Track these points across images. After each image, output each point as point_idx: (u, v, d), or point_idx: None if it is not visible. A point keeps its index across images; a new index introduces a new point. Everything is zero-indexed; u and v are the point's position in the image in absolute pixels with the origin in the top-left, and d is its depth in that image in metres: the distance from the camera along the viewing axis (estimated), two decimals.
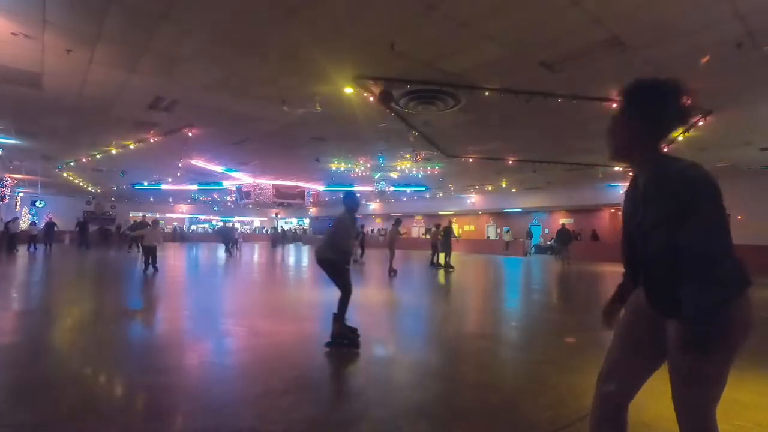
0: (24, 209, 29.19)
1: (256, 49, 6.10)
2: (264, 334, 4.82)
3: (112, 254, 18.71)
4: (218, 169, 17.76)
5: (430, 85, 7.19)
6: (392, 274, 11.34)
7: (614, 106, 1.61)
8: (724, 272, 1.32)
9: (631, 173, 1.65)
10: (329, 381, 3.62)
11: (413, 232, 33.24)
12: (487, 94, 7.27)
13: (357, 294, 4.50)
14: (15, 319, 5.57)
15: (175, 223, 36.87)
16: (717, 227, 1.35)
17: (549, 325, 6.04)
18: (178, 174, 18.87)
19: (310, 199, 24.48)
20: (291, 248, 28.71)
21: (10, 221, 19.49)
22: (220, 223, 34.25)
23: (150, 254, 10.63)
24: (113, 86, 7.71)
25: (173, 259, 16.60)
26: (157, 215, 27.03)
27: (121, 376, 3.51)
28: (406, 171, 17.09)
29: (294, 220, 45.22)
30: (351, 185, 20.74)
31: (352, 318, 4.41)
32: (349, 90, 7.52)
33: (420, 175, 17.86)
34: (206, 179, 20.79)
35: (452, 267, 13.44)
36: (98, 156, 14.49)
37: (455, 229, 17.08)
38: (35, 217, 26.61)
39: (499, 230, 28.04)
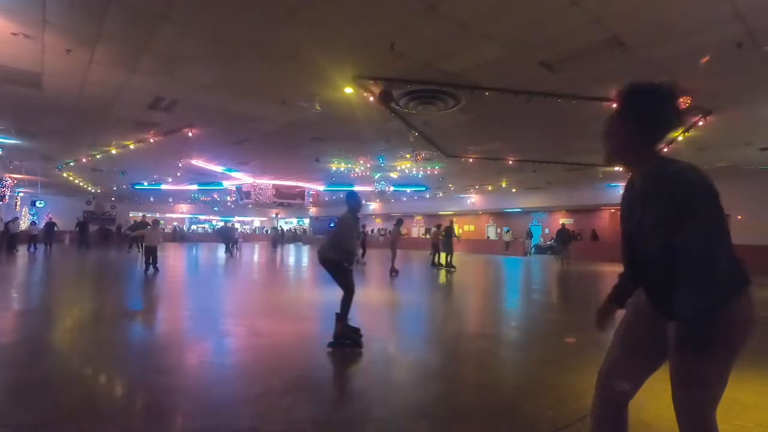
0: (24, 209, 29.18)
1: (256, 49, 6.10)
2: (264, 334, 4.82)
3: (113, 254, 18.71)
4: (218, 169, 17.76)
5: (430, 85, 7.19)
6: (394, 274, 11.34)
7: (613, 106, 1.61)
8: (722, 273, 1.32)
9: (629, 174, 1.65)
10: (329, 381, 3.61)
11: (413, 232, 33.24)
12: (487, 94, 7.27)
13: (359, 294, 4.49)
14: (15, 319, 5.57)
15: (175, 223, 36.87)
16: (715, 228, 1.35)
17: (549, 325, 6.04)
18: (178, 174, 18.87)
19: (310, 199, 24.47)
20: (291, 248, 28.71)
21: (10, 221, 19.48)
22: (221, 223, 34.25)
23: (150, 254, 10.63)
24: (113, 86, 7.71)
25: (173, 259, 16.60)
26: (157, 215, 27.05)
27: (121, 376, 3.51)
28: (406, 171, 17.09)
29: (294, 220, 45.22)
30: (351, 185, 20.73)
31: (354, 318, 4.41)
32: (349, 90, 7.53)
33: (420, 175, 17.86)
34: (206, 179, 20.79)
35: (454, 267, 13.44)
36: (98, 156, 14.49)
37: (456, 229, 17.10)
38: (35, 217, 26.59)
39: (499, 230, 28.04)
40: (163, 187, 23.79)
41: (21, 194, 28.03)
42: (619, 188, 20.06)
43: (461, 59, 6.22)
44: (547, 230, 26.20)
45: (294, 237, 38.45)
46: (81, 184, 22.76)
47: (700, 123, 8.76)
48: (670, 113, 1.51)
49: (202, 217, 40.74)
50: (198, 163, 16.16)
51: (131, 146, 12.65)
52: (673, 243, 1.36)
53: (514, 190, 23.15)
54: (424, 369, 3.79)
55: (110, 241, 28.05)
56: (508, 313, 7.04)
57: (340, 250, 4.39)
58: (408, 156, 14.18)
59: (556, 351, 4.51)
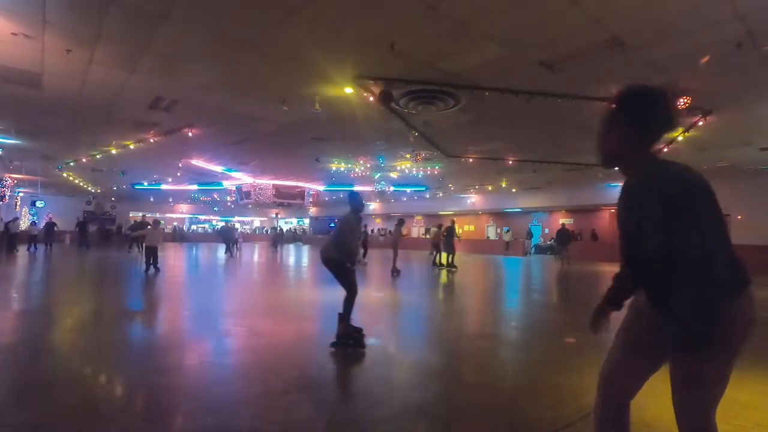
0: (24, 209, 29.17)
1: (256, 49, 6.09)
2: (264, 334, 4.82)
3: (113, 254, 18.71)
4: (218, 169, 17.76)
5: (430, 85, 7.18)
6: (395, 274, 11.34)
7: (608, 109, 1.62)
8: (721, 272, 1.32)
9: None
10: (329, 381, 3.61)
11: (413, 232, 33.24)
12: (487, 94, 7.27)
13: (361, 294, 4.49)
14: (15, 319, 5.57)
15: (175, 223, 36.86)
16: (713, 228, 1.36)
17: (549, 325, 6.04)
18: (178, 174, 18.87)
19: (310, 199, 24.48)
20: (291, 248, 28.71)
21: (10, 221, 19.48)
22: (221, 224, 34.25)
23: (151, 255, 10.62)
24: (113, 86, 7.71)
25: (173, 259, 16.60)
26: (157, 215, 27.05)
27: (122, 376, 3.51)
28: (406, 171, 17.09)
29: (294, 220, 45.21)
30: (351, 185, 20.73)
31: (356, 318, 4.41)
32: (349, 90, 7.53)
33: (420, 175, 17.86)
34: (206, 179, 20.79)
35: (455, 267, 13.43)
36: (98, 156, 14.48)
37: (456, 229, 17.12)
38: (35, 217, 26.59)
39: (499, 230, 28.04)
40: (163, 187, 23.79)
41: (21, 194, 28.03)
42: (619, 188, 20.01)
43: (461, 59, 6.22)
44: (547, 230, 26.19)
45: (294, 237, 38.46)
46: (81, 184, 22.76)
47: (700, 123, 8.76)
48: (664, 115, 1.52)
49: (202, 217, 40.72)
50: (198, 163, 16.16)
51: (131, 146, 12.65)
52: (672, 243, 1.37)
53: (514, 190, 23.15)
54: (425, 369, 3.79)
55: (110, 241, 28.03)
56: (509, 313, 7.04)
57: (343, 251, 4.39)
58: (408, 156, 14.18)
59: (556, 351, 4.50)
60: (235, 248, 19.81)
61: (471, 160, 14.00)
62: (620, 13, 4.88)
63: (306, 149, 13.14)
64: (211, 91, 7.88)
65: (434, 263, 14.20)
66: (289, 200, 23.04)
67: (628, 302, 1.71)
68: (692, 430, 1.44)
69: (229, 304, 7.33)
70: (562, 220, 24.52)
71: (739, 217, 16.24)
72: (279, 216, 41.97)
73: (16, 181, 22.10)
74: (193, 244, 30.63)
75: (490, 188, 23.00)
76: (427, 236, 24.00)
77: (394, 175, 18.33)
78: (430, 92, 7.43)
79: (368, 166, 16.19)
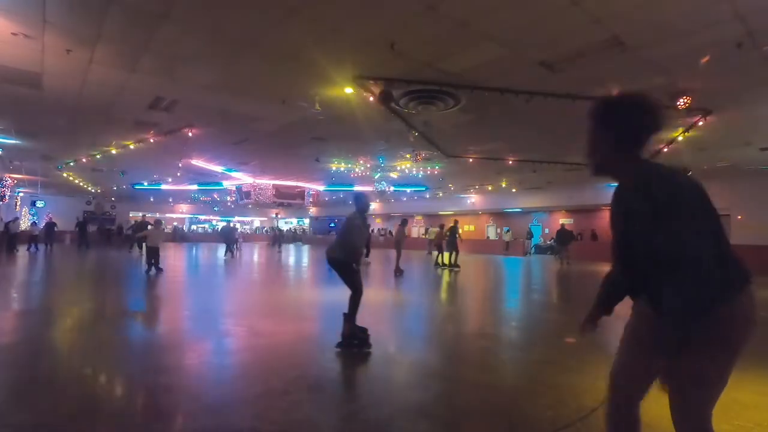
0: (24, 209, 29.17)
1: (256, 49, 6.09)
2: (264, 334, 4.83)
3: (113, 254, 18.71)
4: (218, 169, 17.76)
5: (430, 85, 7.18)
6: (398, 274, 11.34)
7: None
8: (712, 272, 1.32)
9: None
10: (329, 381, 3.61)
11: (413, 232, 33.24)
12: (487, 94, 7.27)
13: (365, 294, 4.48)
14: (15, 319, 5.57)
15: (175, 223, 36.84)
16: (701, 229, 1.36)
17: (549, 325, 6.04)
18: (178, 174, 18.87)
19: (310, 199, 24.48)
20: (291, 248, 28.70)
21: (10, 221, 19.48)
22: (221, 224, 34.25)
23: (153, 255, 10.59)
24: (113, 86, 7.71)
25: (174, 260, 16.60)
26: (157, 215, 27.00)
27: (122, 376, 3.51)
28: (406, 171, 17.09)
29: (294, 220, 45.22)
30: (351, 185, 20.73)
31: (359, 318, 4.40)
32: (349, 90, 7.53)
33: (420, 175, 17.86)
34: (206, 179, 20.79)
35: (458, 266, 13.43)
36: (98, 156, 14.48)
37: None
38: (35, 218, 26.59)
39: (499, 230, 28.04)
40: (163, 187, 23.79)
41: (21, 194, 28.02)
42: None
43: (461, 59, 6.22)
44: (547, 230, 26.20)
45: (294, 237, 38.46)
46: (81, 184, 22.76)
47: (700, 123, 8.76)
48: (642, 122, 1.54)
49: (202, 217, 40.70)
50: (198, 163, 16.16)
51: (131, 146, 12.65)
52: (661, 245, 1.37)
53: (514, 190, 23.15)
54: (425, 369, 3.79)
55: (111, 241, 28.02)
56: (509, 312, 7.04)
57: (348, 251, 4.38)
58: (408, 156, 14.18)
59: (556, 351, 4.51)
60: (235, 248, 19.82)
61: (471, 160, 14.00)
62: (620, 13, 4.88)
63: (306, 149, 13.14)
64: (211, 91, 7.88)
65: (437, 263, 14.21)
66: (289, 200, 23.04)
67: (625, 304, 1.71)
68: (689, 429, 1.44)
69: (230, 304, 7.33)
70: (562, 220, 24.51)
71: (739, 217, 16.24)
72: (279, 216, 41.97)
73: (16, 181, 22.11)
74: (193, 244, 30.64)
75: (490, 188, 23.00)
76: (426, 236, 24.00)
77: (394, 175, 18.33)
78: (430, 92, 7.43)
79: (368, 166, 16.18)
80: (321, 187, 23.22)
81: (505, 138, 11.18)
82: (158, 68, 6.86)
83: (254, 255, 20.85)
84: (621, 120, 1.55)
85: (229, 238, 19.26)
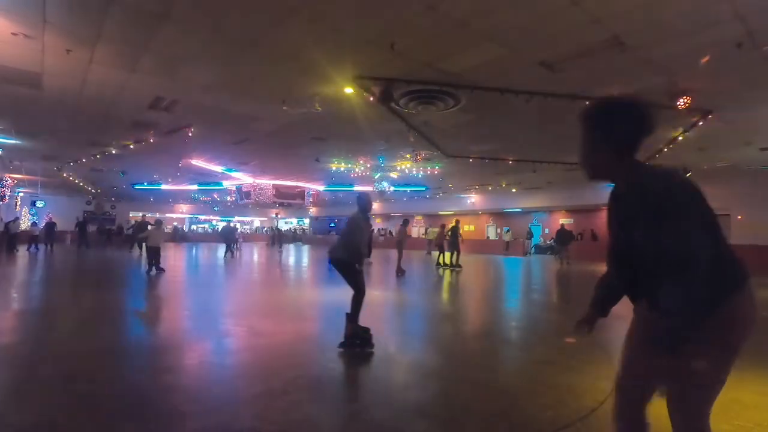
0: (24, 209, 29.18)
1: (256, 49, 6.10)
2: (264, 334, 4.83)
3: (114, 254, 18.71)
4: (218, 169, 17.76)
5: (430, 85, 7.19)
6: (400, 274, 11.33)
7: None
8: (714, 272, 1.32)
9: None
10: (329, 381, 3.60)
11: (413, 232, 33.24)
12: (487, 94, 7.26)
13: (367, 294, 4.48)
14: (15, 319, 5.57)
15: (175, 223, 36.83)
16: (696, 229, 1.36)
17: (549, 325, 6.04)
18: (178, 174, 18.87)
19: (310, 199, 24.48)
20: (290, 248, 28.70)
21: (10, 221, 19.48)
22: (221, 224, 34.25)
23: (154, 255, 10.58)
24: (113, 86, 7.71)
25: (174, 260, 16.59)
26: (157, 215, 26.99)
27: (122, 376, 3.50)
28: (406, 171, 17.09)
29: (294, 220, 45.22)
30: (351, 185, 20.73)
31: (362, 318, 4.40)
32: (349, 90, 7.53)
33: (420, 175, 17.85)
34: (206, 179, 20.79)
35: (460, 266, 13.42)
36: (98, 156, 14.49)
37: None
38: (35, 217, 26.59)
39: (499, 230, 28.04)
40: (163, 187, 23.79)
41: (21, 194, 28.02)
42: None
43: (461, 59, 6.22)
44: (547, 230, 26.19)
45: (294, 237, 38.46)
46: (81, 184, 22.77)
47: (700, 123, 8.76)
48: (634, 125, 1.54)
49: (202, 217, 40.70)
50: (198, 163, 16.16)
51: (131, 146, 12.65)
52: (656, 246, 1.37)
53: (514, 190, 23.16)
54: (424, 368, 3.79)
55: (111, 241, 28.01)
56: (509, 312, 7.04)
57: (351, 251, 4.38)
58: (408, 156, 14.18)
59: (556, 351, 4.50)
60: (235, 248, 19.83)
61: (471, 160, 14.00)
62: (620, 13, 4.88)
63: (306, 149, 13.15)
64: (211, 91, 7.88)
65: (437, 263, 14.20)
66: (289, 200, 23.04)
67: (624, 304, 1.71)
68: (687, 428, 1.44)
69: (230, 303, 7.33)
70: (562, 220, 24.51)
71: (739, 217, 16.24)
72: (279, 216, 41.97)
73: (16, 181, 22.11)
74: (193, 244, 30.63)
75: (490, 188, 23.00)
76: (425, 236, 23.99)
77: (394, 175, 18.33)
78: (430, 92, 7.43)
79: (368, 166, 16.18)
80: (321, 187, 23.22)
81: (505, 138, 11.18)
82: (158, 68, 6.86)
83: (254, 255, 20.85)
84: (613, 123, 1.55)
85: (229, 238, 19.26)
